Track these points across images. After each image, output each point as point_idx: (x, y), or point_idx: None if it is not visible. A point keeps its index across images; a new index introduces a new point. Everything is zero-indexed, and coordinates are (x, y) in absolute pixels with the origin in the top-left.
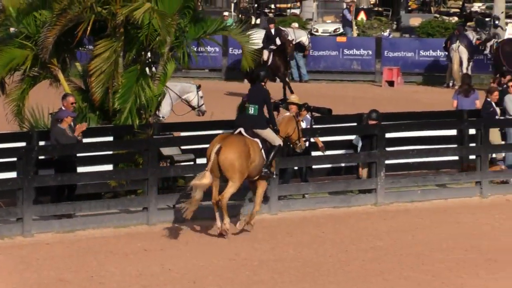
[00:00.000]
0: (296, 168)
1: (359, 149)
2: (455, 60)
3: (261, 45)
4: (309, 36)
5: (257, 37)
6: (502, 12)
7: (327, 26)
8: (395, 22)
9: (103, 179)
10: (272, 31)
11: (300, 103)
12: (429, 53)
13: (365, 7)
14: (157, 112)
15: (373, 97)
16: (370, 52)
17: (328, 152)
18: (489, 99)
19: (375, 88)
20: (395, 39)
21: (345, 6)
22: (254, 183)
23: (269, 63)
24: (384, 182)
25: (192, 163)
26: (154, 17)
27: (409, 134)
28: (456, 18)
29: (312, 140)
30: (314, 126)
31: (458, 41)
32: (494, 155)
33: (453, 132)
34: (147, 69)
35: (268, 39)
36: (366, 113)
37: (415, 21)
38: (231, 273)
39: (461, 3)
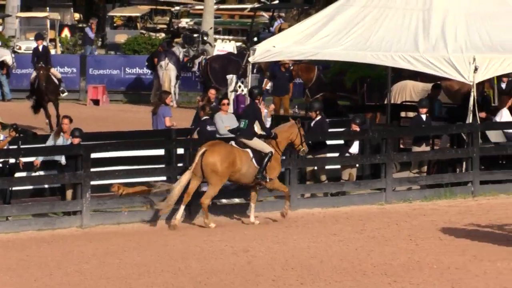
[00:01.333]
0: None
1: None
2: (166, 78)
3: None
4: (13, 55)
5: None
6: (211, 28)
7: (31, 43)
8: (100, 39)
9: None
10: (40, 47)
11: (7, 123)
12: (135, 71)
13: (69, 23)
14: None
15: (78, 116)
16: (75, 70)
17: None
18: None
19: (79, 107)
20: (100, 56)
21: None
22: (254, 187)
23: (36, 85)
24: (90, 203)
25: None
26: None
27: (116, 154)
28: (163, 34)
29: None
30: (21, 146)
31: (167, 58)
32: None
33: (161, 151)
34: None
35: (37, 57)
36: None
37: (121, 37)
38: None
39: (168, 19)
